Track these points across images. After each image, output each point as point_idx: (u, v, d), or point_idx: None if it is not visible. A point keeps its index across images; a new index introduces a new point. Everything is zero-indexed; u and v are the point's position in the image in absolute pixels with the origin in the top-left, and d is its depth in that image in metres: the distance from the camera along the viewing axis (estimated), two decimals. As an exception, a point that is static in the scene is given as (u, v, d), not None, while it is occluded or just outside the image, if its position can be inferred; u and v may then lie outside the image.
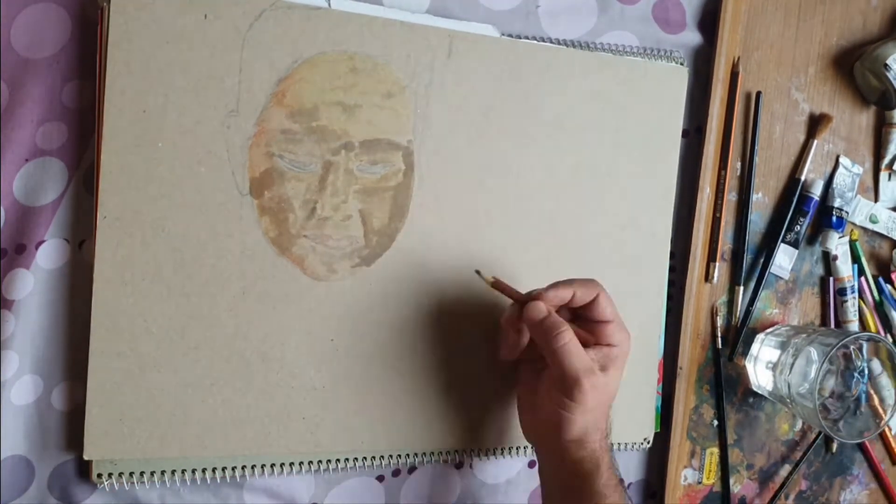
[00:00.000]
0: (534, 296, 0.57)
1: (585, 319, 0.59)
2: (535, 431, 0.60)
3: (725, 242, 0.73)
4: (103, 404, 0.54)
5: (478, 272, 0.58)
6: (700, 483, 0.74)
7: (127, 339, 0.54)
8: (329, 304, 0.59)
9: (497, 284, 0.58)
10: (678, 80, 0.69)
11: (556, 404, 0.56)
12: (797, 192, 0.75)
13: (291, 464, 0.59)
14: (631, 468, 0.73)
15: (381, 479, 0.64)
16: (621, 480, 0.58)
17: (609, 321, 0.58)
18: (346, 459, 0.61)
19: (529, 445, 0.65)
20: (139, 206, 0.54)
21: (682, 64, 0.69)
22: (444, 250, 0.62)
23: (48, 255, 0.54)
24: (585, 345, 0.57)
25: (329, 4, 0.57)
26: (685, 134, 0.71)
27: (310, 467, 0.60)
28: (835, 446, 0.79)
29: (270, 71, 0.56)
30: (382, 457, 0.62)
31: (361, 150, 0.59)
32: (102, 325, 0.53)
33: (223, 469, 0.57)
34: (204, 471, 0.57)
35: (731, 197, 0.73)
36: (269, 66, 0.56)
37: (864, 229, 0.79)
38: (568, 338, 0.55)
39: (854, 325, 0.78)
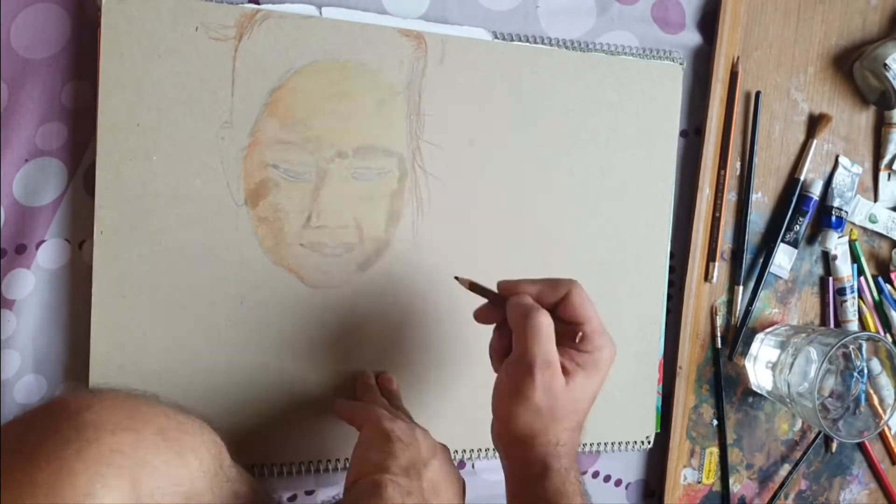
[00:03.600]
0: (511, 289, 0.54)
1: (564, 323, 0.53)
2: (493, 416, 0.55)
3: (725, 242, 0.73)
4: None
5: (456, 278, 0.56)
6: (700, 483, 0.74)
7: (127, 352, 0.54)
8: (327, 311, 0.59)
9: (474, 287, 0.56)
10: (673, 77, 0.69)
11: (505, 390, 0.51)
12: (796, 192, 0.75)
13: (291, 463, 0.59)
14: (631, 468, 0.73)
15: (381, 478, 0.64)
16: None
17: (583, 322, 0.52)
18: (347, 460, 0.61)
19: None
20: (135, 220, 0.54)
21: (681, 64, 0.69)
22: (440, 254, 0.62)
23: (49, 255, 0.54)
24: (561, 345, 0.52)
25: (320, 13, 0.57)
26: (685, 134, 0.71)
27: (310, 468, 0.60)
28: (834, 446, 0.79)
29: (263, 81, 0.56)
30: (382, 456, 0.62)
31: (356, 157, 0.59)
32: (102, 338, 0.54)
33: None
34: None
35: (730, 197, 0.73)
36: (262, 77, 0.56)
37: (864, 229, 0.79)
38: (540, 320, 0.50)
39: (853, 325, 0.78)
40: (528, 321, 0.51)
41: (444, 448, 0.53)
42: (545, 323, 0.51)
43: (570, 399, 0.51)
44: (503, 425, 0.52)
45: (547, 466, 0.51)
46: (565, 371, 0.51)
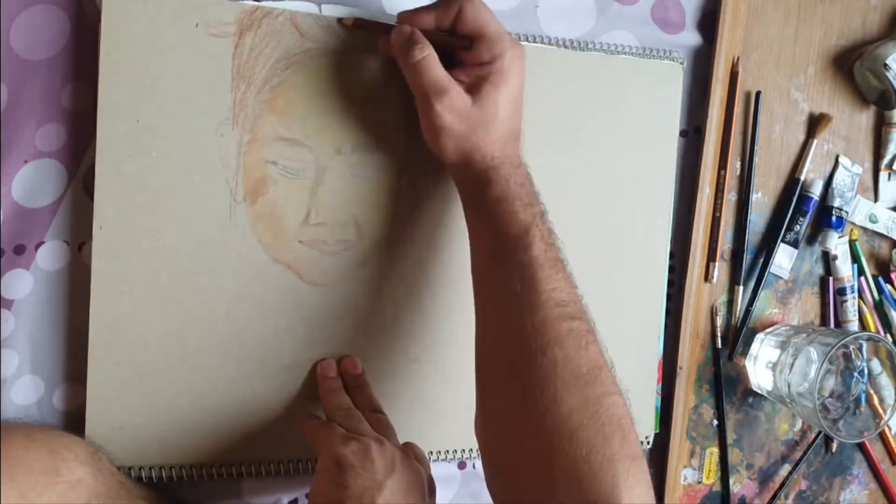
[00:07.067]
0: (407, 19, 0.55)
1: (466, 38, 0.54)
2: None
3: (725, 242, 0.73)
4: (103, 414, 0.54)
5: (339, 20, 0.57)
6: (700, 483, 0.74)
7: (125, 349, 0.54)
8: (325, 309, 0.59)
9: (358, 22, 0.57)
10: (673, 76, 0.69)
11: (425, 128, 0.54)
12: (797, 192, 0.75)
13: (289, 461, 0.59)
14: (631, 468, 0.73)
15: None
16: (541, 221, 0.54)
17: (479, 33, 0.53)
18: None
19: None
20: (134, 216, 0.54)
21: (681, 64, 0.69)
22: (440, 252, 0.62)
23: (48, 256, 0.54)
24: (468, 63, 0.54)
25: (320, 10, 0.57)
26: (685, 134, 0.71)
27: (308, 466, 0.60)
28: (834, 446, 0.79)
29: (263, 78, 0.56)
30: (382, 457, 0.62)
31: (355, 154, 0.59)
32: (100, 335, 0.54)
33: (221, 467, 0.57)
34: (203, 468, 0.57)
35: (730, 196, 0.73)
36: (262, 74, 0.56)
37: (864, 229, 0.79)
38: (421, 54, 0.52)
39: (854, 325, 0.78)
40: (404, 60, 0.53)
41: (404, 456, 0.53)
42: (419, 55, 0.52)
43: (484, 113, 0.53)
44: (441, 157, 0.55)
45: (487, 179, 0.53)
46: (471, 89, 0.53)
